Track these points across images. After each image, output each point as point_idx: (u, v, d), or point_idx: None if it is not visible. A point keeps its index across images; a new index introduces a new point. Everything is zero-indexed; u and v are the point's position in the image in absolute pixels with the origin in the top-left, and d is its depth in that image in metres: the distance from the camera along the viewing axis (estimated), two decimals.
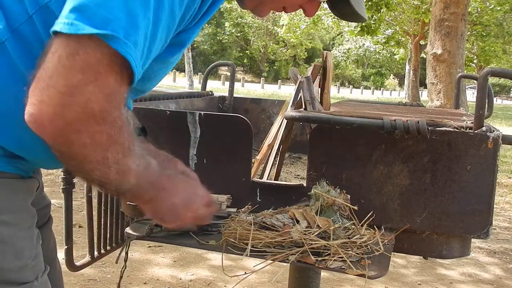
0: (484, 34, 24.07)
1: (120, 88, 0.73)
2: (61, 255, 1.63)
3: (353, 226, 1.18)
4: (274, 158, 1.62)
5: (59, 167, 0.99)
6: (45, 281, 0.90)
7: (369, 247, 1.14)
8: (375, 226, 1.23)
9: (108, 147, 0.74)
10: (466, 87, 11.44)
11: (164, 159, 1.03)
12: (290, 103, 1.60)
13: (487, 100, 1.27)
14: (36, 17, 0.80)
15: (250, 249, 1.10)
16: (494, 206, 1.25)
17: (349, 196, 1.22)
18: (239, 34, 41.33)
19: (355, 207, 1.20)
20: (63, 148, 0.74)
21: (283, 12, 1.04)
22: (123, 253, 1.22)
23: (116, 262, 1.33)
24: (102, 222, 1.71)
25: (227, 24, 39.34)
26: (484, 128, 1.21)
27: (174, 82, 26.40)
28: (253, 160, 1.49)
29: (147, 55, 0.76)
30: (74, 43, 0.69)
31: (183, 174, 1.01)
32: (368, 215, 1.21)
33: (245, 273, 1.22)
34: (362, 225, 1.20)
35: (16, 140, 0.83)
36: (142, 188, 0.85)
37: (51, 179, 4.98)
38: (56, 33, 0.71)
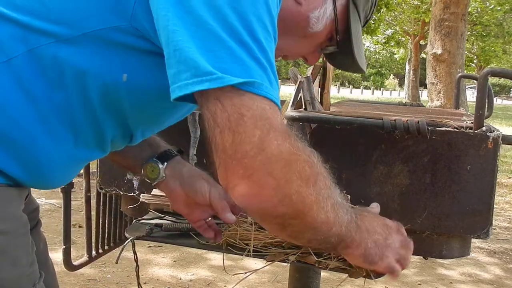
0: (484, 34, 24.09)
1: (283, 121, 0.75)
2: (59, 255, 1.63)
3: None
4: None
5: (47, 189, 0.99)
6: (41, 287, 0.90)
7: None
8: None
9: (316, 178, 0.75)
10: (466, 87, 11.44)
11: None
12: (290, 103, 1.60)
13: (487, 100, 1.27)
14: (60, 45, 0.79)
15: (250, 249, 1.10)
16: (494, 206, 1.25)
17: (349, 196, 1.22)
18: None
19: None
20: (283, 208, 0.73)
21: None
22: (123, 254, 1.22)
23: (116, 262, 1.33)
24: (101, 222, 1.71)
25: None
26: (484, 128, 1.21)
27: None
28: None
29: (277, 88, 0.78)
30: (231, 100, 0.70)
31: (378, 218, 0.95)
32: None
33: (245, 273, 1.22)
34: None
35: (13, 157, 0.83)
36: (346, 229, 0.82)
37: None
38: (201, 96, 0.71)
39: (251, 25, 0.72)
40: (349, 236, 0.83)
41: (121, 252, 1.25)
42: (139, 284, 1.28)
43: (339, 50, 1.02)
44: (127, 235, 1.22)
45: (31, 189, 1.01)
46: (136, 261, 1.23)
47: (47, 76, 0.80)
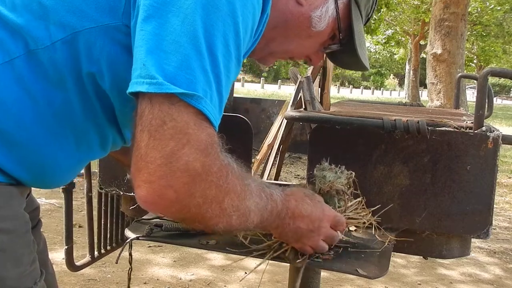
0: (484, 34, 24.09)
1: (212, 139, 0.75)
2: (61, 255, 1.63)
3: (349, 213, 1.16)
4: (274, 158, 1.62)
5: (48, 188, 1.00)
6: (42, 286, 0.90)
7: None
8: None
9: (222, 199, 0.77)
10: (466, 87, 11.44)
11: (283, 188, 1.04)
12: (290, 103, 1.60)
13: (487, 100, 1.27)
14: (59, 45, 0.80)
15: (239, 246, 1.10)
16: (494, 206, 1.25)
17: (353, 173, 1.19)
18: None
19: (349, 193, 1.17)
20: (181, 215, 0.77)
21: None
22: (123, 254, 1.22)
23: (116, 262, 1.33)
24: (102, 222, 1.71)
25: None
26: (484, 128, 1.21)
27: None
28: (253, 160, 1.49)
29: (222, 106, 0.79)
30: (160, 106, 0.71)
31: (308, 197, 1.00)
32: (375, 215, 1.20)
33: (245, 273, 1.22)
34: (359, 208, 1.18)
35: (15, 159, 0.83)
36: (267, 221, 0.89)
37: None
38: (136, 94, 0.73)
39: (213, 39, 0.74)
40: (268, 224, 0.90)
41: (120, 253, 1.25)
42: (128, 286, 1.29)
43: (342, 49, 1.03)
44: (127, 235, 1.22)
45: (32, 188, 1.01)
46: (130, 262, 1.23)
47: (48, 77, 0.81)
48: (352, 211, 1.16)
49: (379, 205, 1.23)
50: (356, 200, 1.17)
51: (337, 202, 1.16)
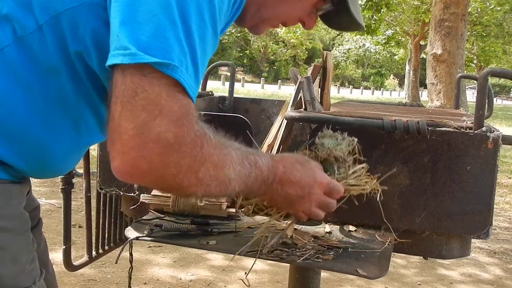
0: (484, 34, 24.09)
1: (187, 109, 0.75)
2: (61, 255, 1.63)
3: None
4: None
5: (51, 177, 1.00)
6: (42, 285, 0.90)
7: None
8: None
9: (198, 168, 0.77)
10: (466, 87, 11.44)
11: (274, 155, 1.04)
12: (290, 103, 1.60)
13: (487, 100, 1.27)
14: (45, 28, 0.80)
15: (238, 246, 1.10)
16: (494, 206, 1.25)
17: (355, 139, 1.15)
18: (239, 34, 41.35)
19: (350, 160, 1.14)
20: (157, 185, 0.77)
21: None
22: (123, 253, 1.22)
23: (116, 262, 1.33)
24: (101, 222, 1.71)
25: None
26: (484, 128, 1.21)
27: None
28: None
29: (198, 76, 0.78)
30: (131, 77, 0.71)
31: (299, 163, 0.99)
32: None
33: (245, 273, 1.22)
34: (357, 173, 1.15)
35: (14, 149, 0.83)
36: (252, 188, 0.88)
37: (51, 179, 4.99)
38: (113, 67, 0.73)
39: (186, 9, 0.74)
40: (253, 190, 0.89)
41: (120, 252, 1.25)
42: (129, 286, 1.29)
43: (335, 9, 1.02)
44: (127, 235, 1.22)
45: (32, 187, 1.01)
46: (131, 262, 1.23)
47: (39, 63, 0.81)
48: (354, 178, 1.12)
49: (379, 174, 1.18)
50: (358, 167, 1.13)
51: (336, 170, 1.12)
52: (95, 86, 0.85)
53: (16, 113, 0.81)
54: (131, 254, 1.21)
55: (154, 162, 0.72)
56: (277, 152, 1.64)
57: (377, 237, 1.24)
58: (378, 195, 1.14)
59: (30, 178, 0.96)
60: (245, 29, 1.04)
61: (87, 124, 0.89)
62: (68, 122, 0.87)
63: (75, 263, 1.64)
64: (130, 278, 1.27)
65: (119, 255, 1.27)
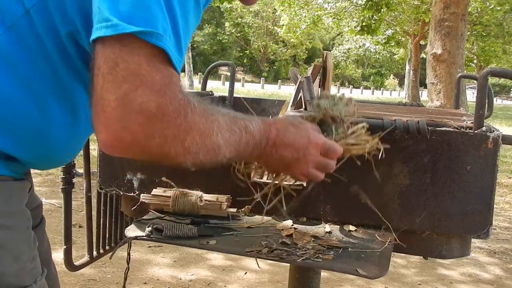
0: (484, 34, 24.07)
1: (169, 79, 0.74)
2: (61, 255, 1.63)
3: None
4: None
5: (54, 167, 0.99)
6: (43, 284, 0.90)
7: None
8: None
9: (183, 138, 0.76)
10: (466, 87, 11.43)
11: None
12: (290, 103, 1.60)
13: (487, 100, 1.27)
14: (33, 12, 0.80)
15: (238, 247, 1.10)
16: (494, 206, 1.25)
17: (353, 98, 1.14)
18: (239, 34, 41.34)
19: (347, 120, 1.12)
20: (144, 156, 0.76)
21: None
22: (124, 254, 1.22)
23: (110, 258, 1.33)
24: (101, 222, 1.71)
25: (227, 24, 39.36)
26: (484, 128, 1.21)
27: None
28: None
29: (181, 46, 0.77)
30: (112, 48, 0.71)
31: (293, 125, 0.99)
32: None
33: (245, 273, 1.22)
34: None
35: (14, 139, 0.83)
36: (244, 153, 0.88)
37: (51, 179, 4.99)
38: (96, 40, 0.72)
39: None
40: (246, 155, 0.89)
41: (114, 251, 1.25)
42: (124, 286, 1.28)
43: None
44: (127, 235, 1.22)
45: (34, 186, 1.01)
46: (128, 262, 1.23)
47: (31, 50, 0.81)
48: (354, 137, 1.11)
49: (380, 132, 1.17)
50: (358, 126, 1.11)
51: (334, 130, 1.10)
52: (88, 66, 0.85)
53: (13, 103, 0.81)
54: (128, 254, 1.21)
55: (137, 133, 0.72)
56: None
57: (377, 237, 1.24)
58: (380, 154, 1.13)
59: (32, 177, 0.96)
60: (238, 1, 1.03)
61: (85, 109, 0.88)
62: (66, 107, 0.86)
63: (76, 263, 1.64)
64: (125, 278, 1.27)
65: (113, 253, 1.27)
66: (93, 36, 0.72)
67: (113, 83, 0.71)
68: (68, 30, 0.81)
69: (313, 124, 1.05)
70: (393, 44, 27.95)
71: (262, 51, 44.16)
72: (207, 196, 1.32)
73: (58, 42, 0.81)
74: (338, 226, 1.30)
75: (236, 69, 2.81)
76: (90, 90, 0.74)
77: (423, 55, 22.13)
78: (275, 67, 45.46)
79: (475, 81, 1.89)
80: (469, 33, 20.97)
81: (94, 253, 1.71)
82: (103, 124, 0.72)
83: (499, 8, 20.23)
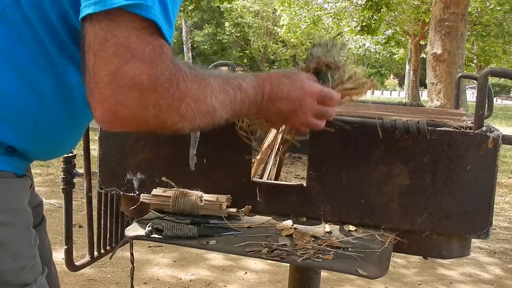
0: (484, 34, 24.06)
1: (159, 50, 0.74)
2: (61, 255, 1.63)
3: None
4: (274, 158, 1.62)
5: (57, 156, 0.99)
6: (44, 283, 0.89)
7: None
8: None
9: (178, 105, 0.77)
10: (466, 87, 11.44)
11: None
12: None
13: (487, 100, 1.27)
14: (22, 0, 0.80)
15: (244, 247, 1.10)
16: (494, 206, 1.25)
17: (346, 44, 1.13)
18: (239, 34, 41.30)
19: (342, 65, 1.12)
20: (143, 128, 0.77)
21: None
22: (124, 254, 1.22)
23: (110, 258, 1.33)
24: (102, 222, 1.71)
25: (227, 24, 39.33)
26: (484, 128, 1.21)
27: None
28: (253, 160, 1.49)
29: (170, 17, 0.78)
30: (100, 24, 0.71)
31: (286, 77, 0.99)
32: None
33: (245, 273, 1.22)
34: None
35: (14, 129, 0.83)
36: (241, 111, 0.89)
37: (51, 179, 4.99)
38: (85, 18, 0.72)
39: None
40: (244, 113, 0.91)
41: (115, 251, 1.25)
42: (132, 286, 1.28)
43: None
44: (127, 235, 1.22)
45: (34, 185, 1.01)
46: (132, 262, 1.23)
47: (22, 37, 0.80)
48: (352, 82, 1.10)
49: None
50: (354, 70, 1.10)
51: (330, 77, 1.09)
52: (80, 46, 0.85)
53: (9, 92, 0.80)
54: (132, 254, 1.21)
55: (132, 106, 0.73)
56: (277, 152, 1.64)
57: (377, 237, 1.24)
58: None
59: (32, 174, 0.96)
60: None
61: (82, 94, 0.88)
62: (62, 93, 0.86)
63: (77, 263, 1.64)
64: (132, 278, 1.27)
65: (113, 253, 1.27)
66: (82, 14, 0.72)
67: (104, 58, 0.71)
68: (59, 14, 0.80)
69: (309, 74, 1.04)
70: (393, 44, 27.95)
71: (262, 51, 44.15)
72: (207, 196, 1.32)
73: (50, 27, 0.81)
74: (338, 226, 1.30)
75: (236, 69, 2.81)
76: (83, 69, 0.74)
77: (423, 55, 22.12)
78: (275, 67, 45.41)
79: (475, 81, 1.89)
80: (469, 33, 20.96)
81: (95, 253, 1.71)
82: (97, 100, 0.73)
83: (499, 8, 20.22)
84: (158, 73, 0.73)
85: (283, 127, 1.07)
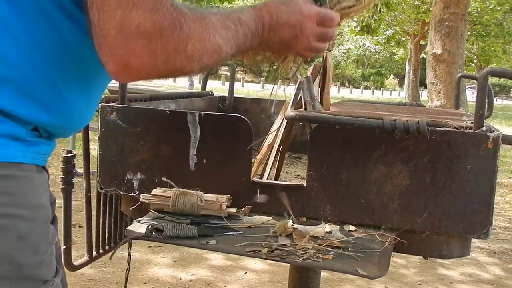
0: (484, 34, 24.08)
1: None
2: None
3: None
4: (274, 158, 1.62)
5: (80, 129, 1.01)
6: (58, 285, 0.89)
7: None
8: None
9: (184, 47, 0.78)
10: (466, 87, 11.44)
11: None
12: (290, 103, 1.60)
13: (487, 100, 1.27)
14: None
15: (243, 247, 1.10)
16: (494, 206, 1.25)
17: None
18: None
19: None
20: (153, 75, 0.79)
21: None
22: (123, 254, 1.22)
23: (110, 258, 1.33)
24: (101, 222, 1.71)
25: None
26: (484, 128, 1.21)
27: (174, 82, 26.39)
28: (253, 160, 1.49)
29: None
30: None
31: (283, 4, 0.99)
32: None
33: (245, 273, 1.22)
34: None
35: (41, 104, 0.83)
36: (244, 45, 0.91)
37: (51, 179, 4.99)
38: None
39: None
40: (248, 46, 0.92)
41: (114, 251, 1.25)
42: (125, 286, 1.28)
43: None
44: (127, 235, 1.22)
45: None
46: (129, 262, 1.23)
47: (30, 10, 0.80)
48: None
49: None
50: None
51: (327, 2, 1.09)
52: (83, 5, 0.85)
53: (26, 64, 0.80)
54: (129, 255, 1.21)
55: (142, 54, 0.74)
56: (277, 152, 1.64)
57: (377, 237, 1.24)
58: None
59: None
60: None
61: (94, 59, 0.87)
62: (72, 55, 0.86)
63: (76, 263, 1.64)
64: (126, 278, 1.27)
65: (113, 253, 1.27)
66: None
67: (107, 12, 0.73)
68: None
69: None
70: (393, 44, 27.98)
71: None
72: (207, 196, 1.31)
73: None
74: (338, 226, 1.30)
75: (236, 69, 2.81)
76: (88, 27, 0.76)
77: (423, 55, 22.14)
78: (275, 67, 45.35)
79: (475, 81, 1.89)
80: (469, 33, 20.97)
81: (94, 253, 1.70)
82: (107, 54, 0.75)
83: (499, 8, 20.24)
84: (161, 17, 0.75)
85: (287, 56, 1.09)
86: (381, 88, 48.78)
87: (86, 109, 0.94)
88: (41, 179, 0.87)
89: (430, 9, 10.19)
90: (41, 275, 0.84)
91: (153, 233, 1.19)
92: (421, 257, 1.39)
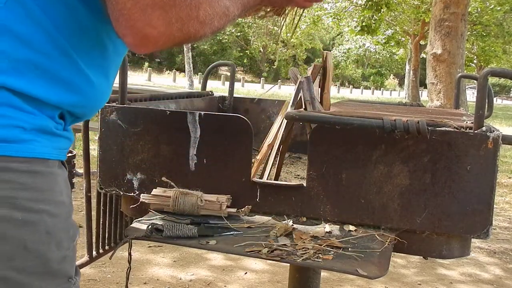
0: (484, 34, 24.06)
1: None
2: None
3: None
4: (274, 158, 1.62)
5: (101, 108, 1.04)
6: (78, 285, 0.90)
7: None
8: None
9: (197, 13, 0.81)
10: (466, 87, 11.44)
11: None
12: (290, 103, 1.60)
13: (487, 100, 1.27)
14: None
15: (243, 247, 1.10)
16: (494, 206, 1.25)
17: None
18: (239, 34, 41.33)
19: None
20: (170, 44, 0.82)
21: None
22: (123, 254, 1.22)
23: (110, 258, 1.33)
24: (101, 222, 1.71)
25: None
26: (484, 128, 1.21)
27: (174, 82, 26.38)
28: (253, 160, 1.49)
29: None
30: None
31: None
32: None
33: (245, 273, 1.22)
34: None
35: (67, 86, 0.83)
36: (249, 3, 0.95)
37: None
38: None
39: None
40: (252, 3, 0.96)
41: (115, 251, 1.25)
42: (127, 285, 1.28)
43: None
44: (126, 235, 1.22)
45: None
46: (129, 262, 1.23)
47: (49, 1, 0.81)
48: None
49: None
50: None
51: None
52: None
53: (46, 50, 0.81)
54: (129, 254, 1.21)
55: (159, 25, 0.77)
56: (277, 152, 1.64)
57: (377, 237, 1.24)
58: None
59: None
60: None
61: (109, 38, 0.90)
62: (93, 42, 0.88)
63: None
64: (127, 278, 1.27)
65: (113, 253, 1.27)
66: None
67: None
68: None
69: None
70: (393, 44, 27.98)
71: (262, 51, 44.16)
72: (207, 196, 1.32)
73: None
74: (338, 226, 1.30)
75: (236, 69, 2.81)
76: (104, 2, 0.78)
77: (423, 55, 22.14)
78: (274, 67, 45.42)
79: (475, 81, 1.89)
80: (469, 33, 20.96)
81: (94, 253, 1.70)
82: (126, 27, 0.77)
83: (499, 8, 20.23)
84: None
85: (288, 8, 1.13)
86: (381, 88, 48.79)
87: (106, 88, 0.96)
88: (62, 175, 0.88)
89: (430, 9, 10.20)
90: (65, 270, 0.85)
91: (153, 233, 1.19)
92: (421, 257, 1.39)
